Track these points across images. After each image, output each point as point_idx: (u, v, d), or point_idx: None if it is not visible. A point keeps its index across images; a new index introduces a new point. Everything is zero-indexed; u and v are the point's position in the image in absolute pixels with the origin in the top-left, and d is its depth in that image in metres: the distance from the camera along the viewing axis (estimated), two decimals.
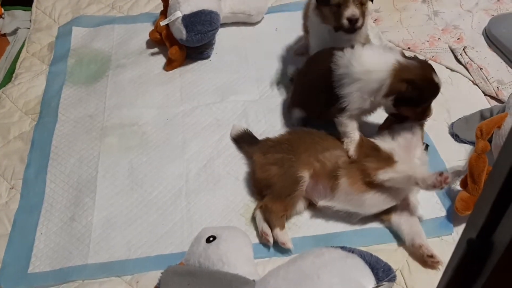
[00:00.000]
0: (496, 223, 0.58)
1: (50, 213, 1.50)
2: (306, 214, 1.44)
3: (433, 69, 1.39)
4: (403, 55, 1.41)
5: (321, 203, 1.41)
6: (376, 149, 1.40)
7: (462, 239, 0.62)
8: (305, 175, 1.38)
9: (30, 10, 2.33)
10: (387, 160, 1.35)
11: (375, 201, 1.37)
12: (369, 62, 1.37)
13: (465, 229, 0.63)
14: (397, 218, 1.38)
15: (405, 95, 1.34)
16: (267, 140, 1.54)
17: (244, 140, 1.61)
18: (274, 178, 1.40)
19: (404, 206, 1.41)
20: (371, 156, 1.37)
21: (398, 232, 1.37)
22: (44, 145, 1.69)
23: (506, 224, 0.56)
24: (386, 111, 1.50)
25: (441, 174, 1.24)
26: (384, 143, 1.41)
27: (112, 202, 1.51)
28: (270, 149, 1.48)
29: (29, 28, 2.24)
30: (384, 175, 1.32)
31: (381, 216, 1.41)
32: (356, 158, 1.38)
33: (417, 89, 1.34)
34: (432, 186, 1.25)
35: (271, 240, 1.37)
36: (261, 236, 1.39)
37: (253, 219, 1.44)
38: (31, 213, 1.50)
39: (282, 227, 1.37)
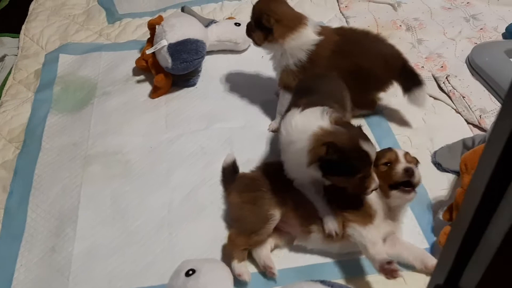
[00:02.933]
0: (463, 269, 0.58)
1: (30, 243, 1.48)
2: (287, 246, 1.43)
3: (363, 136, 1.29)
4: (337, 121, 1.31)
5: (296, 242, 1.42)
6: (358, 202, 1.37)
7: (430, 285, 0.62)
8: (277, 213, 1.36)
9: (18, 37, 2.34)
10: (367, 217, 1.33)
11: (349, 246, 1.38)
12: (292, 130, 1.33)
13: (433, 275, 0.63)
14: (391, 249, 1.37)
15: (327, 159, 1.24)
16: (243, 177, 1.52)
17: (226, 176, 1.60)
18: (245, 214, 1.39)
19: (392, 236, 1.40)
20: (353, 206, 1.35)
21: (400, 260, 1.35)
22: (27, 174, 1.67)
23: (472, 270, 0.56)
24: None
25: (389, 262, 1.22)
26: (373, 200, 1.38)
27: (93, 232, 1.50)
28: (245, 187, 1.46)
29: (16, 55, 2.25)
30: (350, 230, 1.32)
31: None
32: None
33: (339, 152, 1.23)
34: (377, 270, 1.25)
35: (276, 272, 1.35)
36: (264, 270, 1.37)
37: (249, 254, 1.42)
38: (11, 244, 1.48)
39: (241, 260, 1.35)
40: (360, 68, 1.67)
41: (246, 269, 1.35)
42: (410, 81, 1.72)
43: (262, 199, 1.38)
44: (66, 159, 1.72)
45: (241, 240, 1.36)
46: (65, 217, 1.54)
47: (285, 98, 1.71)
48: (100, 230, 1.50)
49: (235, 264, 1.34)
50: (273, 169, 1.47)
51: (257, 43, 1.75)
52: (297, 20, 1.69)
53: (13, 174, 1.68)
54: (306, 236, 1.38)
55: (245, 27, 1.79)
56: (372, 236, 1.30)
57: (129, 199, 1.58)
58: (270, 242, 1.41)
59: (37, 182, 1.65)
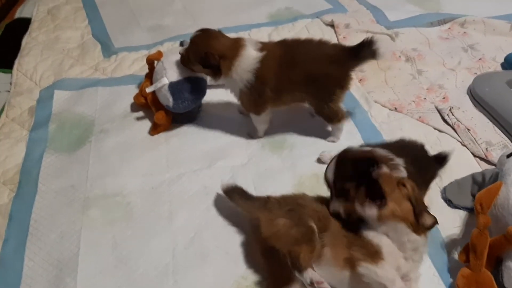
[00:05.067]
0: None
1: None
2: None
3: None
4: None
5: None
6: (361, 237, 1.31)
7: None
8: (314, 226, 1.31)
9: (11, 73, 2.28)
10: (374, 253, 1.26)
11: (357, 283, 1.29)
12: None
13: None
14: None
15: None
16: (269, 197, 1.48)
17: (238, 193, 1.53)
18: (285, 229, 1.32)
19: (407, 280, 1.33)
20: (357, 245, 1.28)
21: None
22: (23, 219, 1.60)
23: None
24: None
25: None
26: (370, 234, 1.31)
27: (94, 281, 1.42)
28: (274, 204, 1.43)
29: (9, 91, 2.19)
30: (363, 269, 1.24)
31: None
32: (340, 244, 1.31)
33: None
34: None
35: None
36: None
37: None
38: None
39: (312, 268, 1.26)
40: (313, 74, 1.68)
41: None
42: (364, 51, 1.66)
43: (298, 213, 1.35)
44: (64, 202, 1.65)
45: (304, 247, 1.27)
46: (65, 265, 1.46)
47: (256, 119, 1.83)
48: (102, 279, 1.43)
49: (311, 272, 1.24)
50: (295, 195, 1.49)
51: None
52: (236, 46, 1.71)
53: (8, 219, 1.61)
54: (320, 255, 1.30)
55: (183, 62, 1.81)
56: (387, 273, 1.22)
57: (131, 245, 1.51)
58: None
59: (34, 228, 1.57)
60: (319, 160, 1.77)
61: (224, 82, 1.79)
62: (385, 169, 1.29)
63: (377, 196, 1.26)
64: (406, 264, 1.27)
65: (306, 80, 1.69)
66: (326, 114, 1.80)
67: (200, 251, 1.50)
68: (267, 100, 1.76)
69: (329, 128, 1.88)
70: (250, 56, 1.69)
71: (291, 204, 1.41)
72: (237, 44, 1.72)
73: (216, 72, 1.72)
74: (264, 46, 1.73)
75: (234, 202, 1.53)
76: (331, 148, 1.77)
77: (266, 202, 1.46)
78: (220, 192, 1.64)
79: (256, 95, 1.74)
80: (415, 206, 1.26)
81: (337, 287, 1.32)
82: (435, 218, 1.27)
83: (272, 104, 1.79)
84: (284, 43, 1.77)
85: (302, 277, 1.24)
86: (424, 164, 1.54)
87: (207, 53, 1.69)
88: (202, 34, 1.74)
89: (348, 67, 1.71)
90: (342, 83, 1.74)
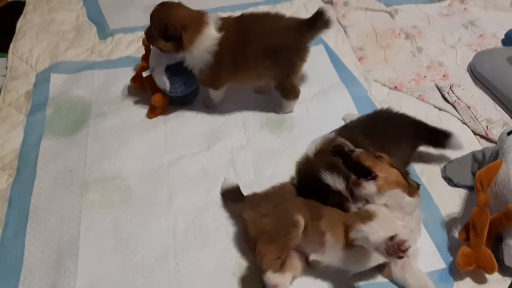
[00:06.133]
0: None
1: (29, 280, 1.40)
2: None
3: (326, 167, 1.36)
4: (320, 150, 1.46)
5: (312, 256, 1.35)
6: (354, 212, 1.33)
7: None
8: (300, 219, 1.31)
9: (6, 57, 2.26)
10: (366, 217, 1.27)
11: (361, 258, 1.30)
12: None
13: None
14: (399, 272, 1.33)
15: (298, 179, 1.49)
16: (255, 195, 1.50)
17: (230, 197, 1.55)
18: (267, 227, 1.33)
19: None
20: (351, 216, 1.31)
21: (405, 286, 1.32)
22: (22, 204, 1.59)
23: None
24: None
25: (392, 238, 1.12)
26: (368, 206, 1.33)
27: (95, 265, 1.42)
28: (259, 202, 1.42)
29: (5, 76, 2.17)
30: (354, 233, 1.24)
31: (380, 271, 1.36)
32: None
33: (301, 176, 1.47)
34: (386, 254, 1.13)
35: None
36: None
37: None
38: (8, 281, 1.39)
39: (275, 270, 1.26)
40: (271, 47, 1.69)
41: (283, 280, 1.27)
42: (318, 21, 1.69)
43: (282, 208, 1.35)
44: (63, 186, 1.64)
45: (272, 248, 1.28)
46: (65, 249, 1.46)
47: (214, 93, 1.84)
48: (103, 263, 1.42)
49: (269, 275, 1.24)
50: (284, 186, 1.49)
51: (164, 51, 1.74)
52: (199, 20, 1.69)
53: (8, 205, 1.59)
54: (322, 244, 1.31)
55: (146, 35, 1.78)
56: (373, 228, 1.22)
57: (131, 228, 1.51)
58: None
59: (34, 213, 1.56)
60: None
61: (183, 57, 1.74)
62: (358, 150, 1.36)
63: (366, 173, 1.31)
64: (405, 232, 1.27)
65: (265, 54, 1.69)
66: (286, 88, 1.81)
67: (200, 233, 1.49)
68: (224, 79, 1.78)
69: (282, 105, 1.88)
70: (210, 37, 1.68)
71: (276, 200, 1.40)
72: (199, 19, 1.69)
73: (179, 45, 1.68)
74: (223, 25, 1.71)
75: (225, 205, 1.56)
76: (332, 128, 1.76)
77: (252, 200, 1.47)
78: (220, 174, 1.65)
79: (215, 74, 1.74)
80: (399, 169, 1.34)
81: (348, 269, 1.34)
82: (415, 181, 1.39)
83: (232, 81, 1.81)
84: (241, 19, 1.76)
85: (263, 278, 1.26)
86: (383, 125, 1.62)
87: (167, 24, 1.65)
88: (161, 6, 1.72)
89: (305, 38, 1.73)
90: (301, 54, 1.75)
